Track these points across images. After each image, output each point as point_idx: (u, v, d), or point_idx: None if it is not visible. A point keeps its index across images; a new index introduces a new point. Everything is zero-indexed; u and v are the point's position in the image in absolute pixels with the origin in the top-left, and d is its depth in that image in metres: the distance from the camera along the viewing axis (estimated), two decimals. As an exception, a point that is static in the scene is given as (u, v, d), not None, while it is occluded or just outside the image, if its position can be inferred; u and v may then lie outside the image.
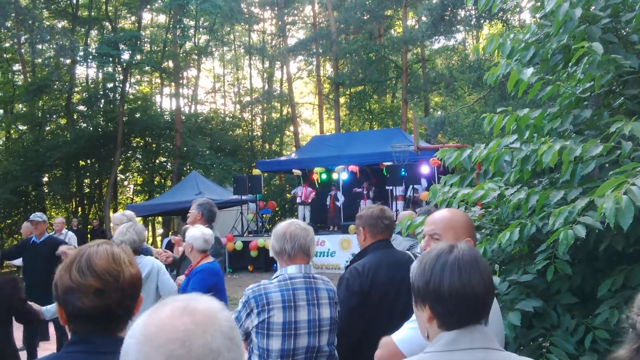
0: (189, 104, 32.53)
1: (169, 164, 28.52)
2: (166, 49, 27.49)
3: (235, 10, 27.53)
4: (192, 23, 28.96)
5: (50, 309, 4.01)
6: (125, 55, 25.42)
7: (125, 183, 31.32)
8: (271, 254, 2.77)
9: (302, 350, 2.61)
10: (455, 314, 1.41)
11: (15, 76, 28.08)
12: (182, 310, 0.91)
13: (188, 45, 29.88)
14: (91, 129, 26.73)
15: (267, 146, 33.15)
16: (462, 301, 1.40)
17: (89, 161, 27.37)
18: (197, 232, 4.26)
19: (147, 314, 0.93)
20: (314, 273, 2.76)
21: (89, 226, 21.25)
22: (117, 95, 27.20)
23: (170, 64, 28.19)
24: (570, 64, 2.95)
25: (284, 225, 2.74)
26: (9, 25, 23.06)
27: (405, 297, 2.79)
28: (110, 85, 28.06)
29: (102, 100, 28.35)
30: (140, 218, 18.61)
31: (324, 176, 17.56)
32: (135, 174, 30.79)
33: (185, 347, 0.86)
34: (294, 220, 2.80)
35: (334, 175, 17.05)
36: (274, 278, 2.69)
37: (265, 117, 34.34)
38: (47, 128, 27.75)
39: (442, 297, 1.41)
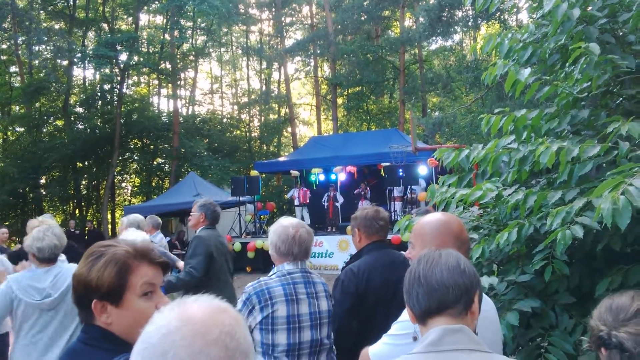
0: (187, 105, 32.47)
1: (167, 165, 28.44)
2: (163, 50, 27.42)
3: (233, 11, 27.48)
4: (189, 24, 28.93)
5: None
6: (123, 57, 25.37)
7: (123, 185, 31.23)
8: (271, 252, 2.78)
9: (306, 344, 2.65)
10: (415, 300, 1.48)
11: (13, 78, 27.99)
12: (217, 308, 0.96)
13: (185, 46, 29.83)
14: (89, 130, 26.62)
15: (265, 147, 33.09)
16: (417, 287, 1.48)
17: (86, 163, 27.27)
18: (137, 237, 3.86)
19: (174, 316, 0.93)
20: (309, 268, 2.85)
21: (86, 228, 21.20)
22: (114, 97, 27.14)
23: (168, 65, 28.12)
24: (567, 64, 2.95)
25: (289, 227, 2.75)
26: (5, 26, 23.00)
27: (401, 298, 2.77)
28: (107, 86, 28.00)
29: (100, 102, 28.29)
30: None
31: (321, 177, 17.54)
32: (133, 176, 30.72)
33: (235, 339, 0.92)
34: (298, 222, 2.83)
35: (332, 176, 17.03)
36: (272, 274, 2.74)
37: (263, 118, 34.30)
38: (45, 130, 27.63)
39: (406, 288, 1.51)
